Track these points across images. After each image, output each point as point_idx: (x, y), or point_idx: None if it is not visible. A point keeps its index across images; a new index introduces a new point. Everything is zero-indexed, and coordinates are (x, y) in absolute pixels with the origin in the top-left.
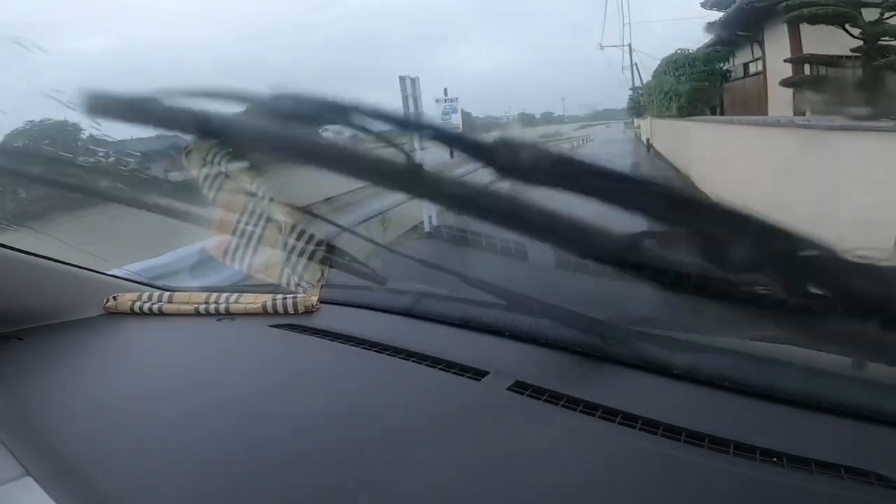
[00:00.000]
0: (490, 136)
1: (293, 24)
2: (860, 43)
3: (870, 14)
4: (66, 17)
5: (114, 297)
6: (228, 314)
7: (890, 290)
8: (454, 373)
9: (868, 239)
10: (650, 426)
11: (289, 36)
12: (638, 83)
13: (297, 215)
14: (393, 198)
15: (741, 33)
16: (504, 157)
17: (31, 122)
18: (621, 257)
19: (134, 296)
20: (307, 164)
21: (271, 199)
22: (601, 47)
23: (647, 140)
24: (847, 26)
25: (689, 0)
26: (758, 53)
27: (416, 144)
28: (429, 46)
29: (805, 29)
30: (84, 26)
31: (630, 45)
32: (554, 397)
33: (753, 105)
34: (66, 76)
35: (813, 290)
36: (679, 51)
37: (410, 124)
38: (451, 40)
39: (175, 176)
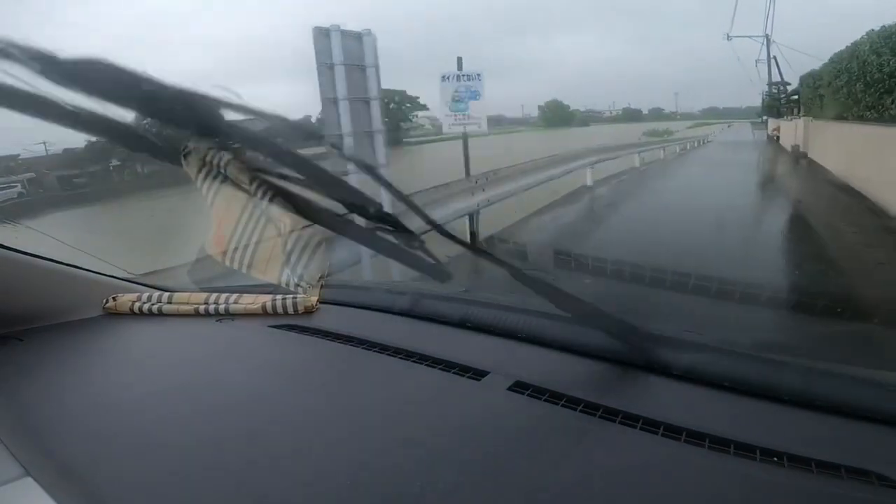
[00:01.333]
0: None
1: (386, 10)
2: None
3: None
4: None
5: (113, 298)
6: (228, 315)
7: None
8: (454, 373)
9: None
10: (651, 426)
11: (383, 21)
12: (776, 78)
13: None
14: None
15: None
16: None
17: None
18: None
19: (133, 296)
20: None
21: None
22: (728, 38)
23: (795, 147)
24: None
25: None
26: None
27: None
28: (524, 37)
29: None
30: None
31: (768, 36)
32: (554, 397)
33: None
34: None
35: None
36: None
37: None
38: (550, 30)
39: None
